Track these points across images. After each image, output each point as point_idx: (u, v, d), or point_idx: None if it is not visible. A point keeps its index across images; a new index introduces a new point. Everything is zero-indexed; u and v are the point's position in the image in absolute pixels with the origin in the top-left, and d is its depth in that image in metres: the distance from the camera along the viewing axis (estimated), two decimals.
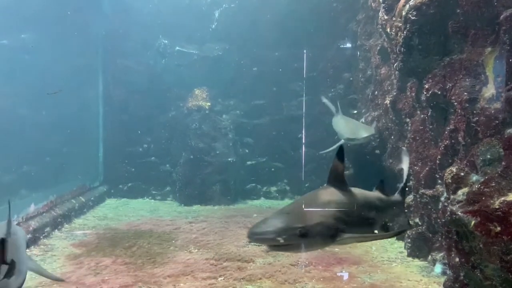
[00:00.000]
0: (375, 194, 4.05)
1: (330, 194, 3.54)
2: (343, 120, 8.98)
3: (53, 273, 5.49)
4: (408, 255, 6.29)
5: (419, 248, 6.19)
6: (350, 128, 8.38)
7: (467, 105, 4.59)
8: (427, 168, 6.01)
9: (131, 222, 8.53)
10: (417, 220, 6.48)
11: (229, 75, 11.73)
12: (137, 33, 11.81)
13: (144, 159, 11.71)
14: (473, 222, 3.61)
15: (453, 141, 5.00)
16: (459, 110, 4.74)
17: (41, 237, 6.94)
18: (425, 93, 5.48)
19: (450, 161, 5.08)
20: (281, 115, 11.69)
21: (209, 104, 11.35)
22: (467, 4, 4.81)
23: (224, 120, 11.44)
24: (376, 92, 8.67)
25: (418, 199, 6.19)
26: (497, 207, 3.51)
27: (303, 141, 11.30)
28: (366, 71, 9.59)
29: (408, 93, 6.78)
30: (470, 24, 4.84)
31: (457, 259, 4.11)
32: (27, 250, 4.74)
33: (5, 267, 2.64)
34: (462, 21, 4.96)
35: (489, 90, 4.40)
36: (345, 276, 5.45)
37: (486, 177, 3.87)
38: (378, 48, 8.37)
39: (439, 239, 5.79)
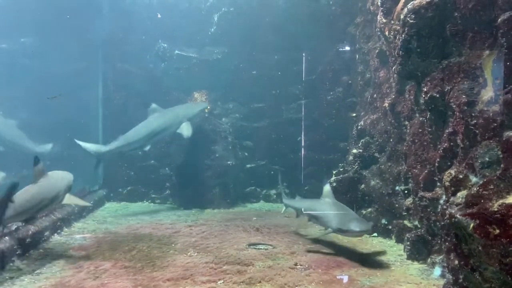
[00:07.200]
0: None
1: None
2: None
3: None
4: (408, 258, 6.30)
5: (419, 251, 6.20)
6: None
7: (466, 108, 4.60)
8: (426, 171, 6.03)
9: (130, 226, 8.53)
10: (416, 223, 6.50)
11: (229, 78, 11.75)
12: (137, 37, 11.85)
13: (144, 162, 11.72)
14: (472, 225, 3.62)
15: (452, 143, 5.01)
16: (457, 113, 4.74)
17: (41, 241, 6.93)
18: (423, 96, 5.49)
19: (449, 163, 5.08)
20: (280, 118, 11.70)
21: (208, 107, 11.36)
22: (465, 7, 4.83)
23: (223, 123, 11.45)
24: (375, 95, 8.68)
25: (417, 202, 6.20)
26: (496, 209, 3.51)
27: (303, 144, 11.32)
28: (365, 74, 9.60)
29: (407, 96, 6.80)
30: (468, 27, 4.86)
31: (456, 262, 4.12)
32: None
33: None
34: (460, 24, 4.97)
35: (488, 93, 4.41)
36: (345, 279, 5.45)
37: (485, 180, 3.88)
38: (377, 51, 8.39)
39: (439, 241, 5.80)
